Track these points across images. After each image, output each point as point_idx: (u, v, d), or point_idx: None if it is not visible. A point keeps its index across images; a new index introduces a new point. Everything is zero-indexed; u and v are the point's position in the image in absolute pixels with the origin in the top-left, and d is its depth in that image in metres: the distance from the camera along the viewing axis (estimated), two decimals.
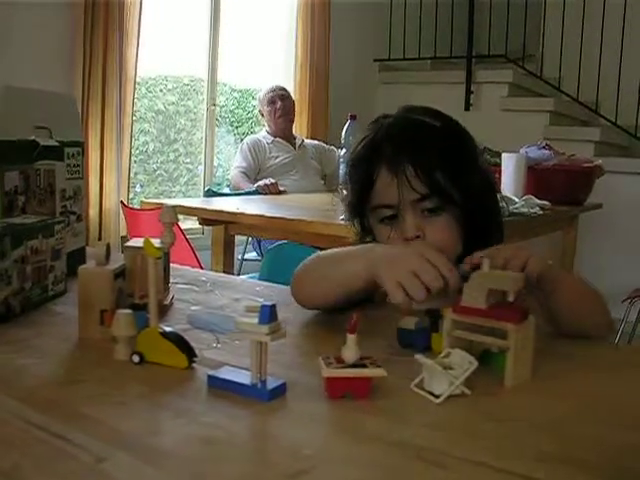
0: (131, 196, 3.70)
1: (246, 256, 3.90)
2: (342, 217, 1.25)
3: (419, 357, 0.74)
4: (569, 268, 3.86)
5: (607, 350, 1.01)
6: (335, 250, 1.07)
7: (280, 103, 4.00)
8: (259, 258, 3.65)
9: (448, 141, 1.11)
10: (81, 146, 1.33)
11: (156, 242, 0.91)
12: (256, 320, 0.71)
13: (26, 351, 0.86)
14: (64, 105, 1.39)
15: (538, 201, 2.99)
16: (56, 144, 1.25)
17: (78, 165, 1.30)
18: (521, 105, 4.85)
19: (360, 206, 1.16)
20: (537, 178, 3.29)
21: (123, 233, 3.44)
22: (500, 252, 0.93)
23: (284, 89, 4.11)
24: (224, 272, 2.48)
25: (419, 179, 1.06)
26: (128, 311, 0.83)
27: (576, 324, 0.99)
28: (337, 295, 1.01)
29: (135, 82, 3.59)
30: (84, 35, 3.29)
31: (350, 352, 0.72)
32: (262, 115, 4.11)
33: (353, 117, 2.51)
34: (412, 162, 1.06)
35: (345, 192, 1.21)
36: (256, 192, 3.46)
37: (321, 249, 1.26)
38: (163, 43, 4.01)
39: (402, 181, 1.06)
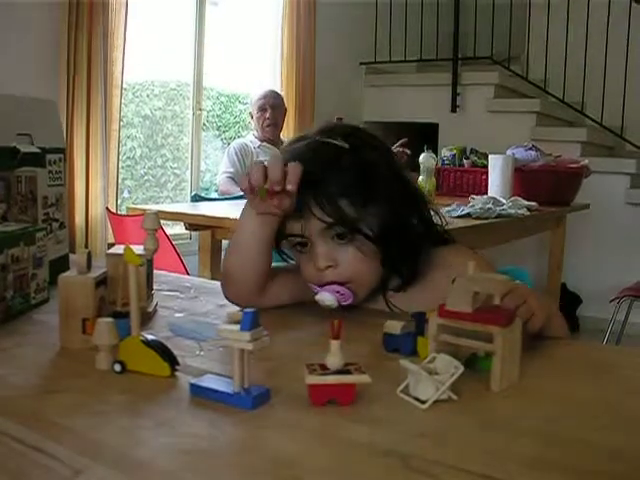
0: (119, 202, 3.68)
1: None
2: None
3: (404, 362, 0.74)
4: (557, 268, 3.87)
5: (594, 351, 1.01)
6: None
7: (270, 112, 3.98)
8: None
9: (355, 167, 1.05)
10: (63, 152, 1.31)
11: (139, 249, 0.89)
12: (238, 327, 0.70)
13: (6, 361, 0.85)
14: (46, 111, 1.38)
15: (525, 202, 3.00)
16: (37, 151, 1.23)
17: (60, 172, 1.29)
18: (507, 106, 4.87)
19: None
20: (524, 179, 3.30)
21: (110, 240, 3.42)
22: (515, 296, 0.86)
23: (276, 96, 4.08)
24: (211, 277, 2.47)
25: (322, 208, 1.01)
26: (109, 319, 0.82)
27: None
28: (256, 261, 1.05)
29: (122, 87, 3.56)
30: (68, 40, 3.26)
31: (334, 358, 0.71)
32: (252, 117, 4.10)
33: (339, 120, 2.50)
34: (314, 192, 1.01)
35: None
36: (244, 197, 3.44)
37: None
38: (149, 48, 3.99)
39: (306, 212, 1.02)
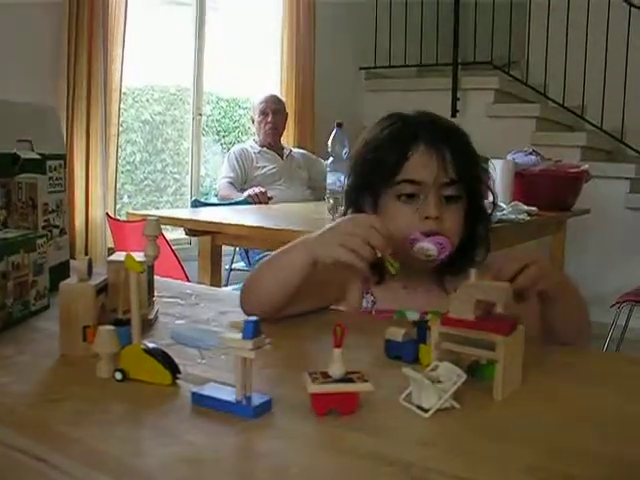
0: (119, 207, 3.67)
1: (234, 266, 3.87)
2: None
3: (407, 370, 0.73)
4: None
5: (596, 358, 1.01)
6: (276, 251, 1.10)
7: (271, 117, 3.97)
8: (247, 268, 3.63)
9: (469, 141, 1.20)
10: (63, 159, 1.31)
11: (139, 256, 0.89)
12: (240, 335, 0.70)
13: (6, 369, 0.84)
14: (46, 117, 1.37)
15: (526, 207, 2.99)
16: (38, 157, 1.23)
17: (60, 178, 1.29)
18: (507, 111, 4.86)
19: (376, 181, 1.17)
20: (524, 184, 3.29)
21: (110, 245, 3.41)
22: (526, 258, 0.93)
23: (278, 101, 4.07)
24: (211, 283, 2.46)
25: (452, 165, 1.13)
26: (110, 327, 0.82)
27: (566, 333, 1.00)
28: (280, 292, 1.04)
29: (121, 92, 3.56)
30: (68, 45, 3.26)
31: (336, 367, 0.70)
32: (252, 122, 4.10)
33: (339, 125, 2.50)
34: (449, 148, 1.13)
35: (351, 177, 1.24)
36: (244, 202, 3.44)
37: None
38: (149, 53, 3.99)
39: (440, 161, 1.12)
